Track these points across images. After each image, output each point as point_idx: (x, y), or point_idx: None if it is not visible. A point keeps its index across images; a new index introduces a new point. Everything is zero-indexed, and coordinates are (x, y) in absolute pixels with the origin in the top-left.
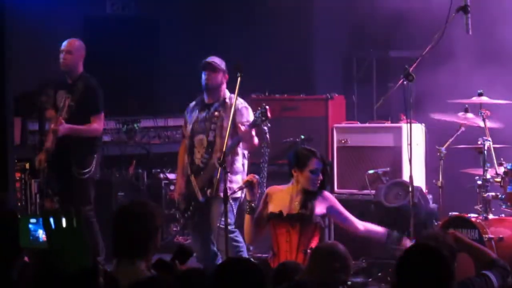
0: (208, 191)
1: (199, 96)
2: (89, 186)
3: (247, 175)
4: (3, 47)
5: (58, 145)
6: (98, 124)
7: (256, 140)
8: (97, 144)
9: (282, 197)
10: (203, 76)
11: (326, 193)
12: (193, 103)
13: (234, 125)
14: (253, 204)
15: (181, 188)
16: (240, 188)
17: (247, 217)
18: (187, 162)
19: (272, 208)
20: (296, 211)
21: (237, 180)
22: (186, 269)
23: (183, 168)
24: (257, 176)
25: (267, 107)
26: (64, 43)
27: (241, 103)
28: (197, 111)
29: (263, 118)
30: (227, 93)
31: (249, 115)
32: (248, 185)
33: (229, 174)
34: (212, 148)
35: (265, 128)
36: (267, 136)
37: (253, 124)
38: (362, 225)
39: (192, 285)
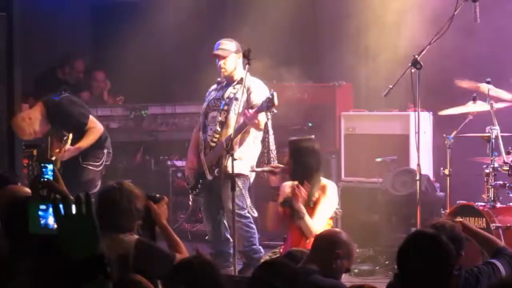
0: (216, 170)
1: (221, 77)
2: (97, 176)
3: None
4: (11, 35)
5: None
6: (95, 128)
7: (262, 125)
8: (103, 138)
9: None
10: (218, 65)
11: (328, 185)
12: (216, 83)
13: (247, 104)
14: (277, 191)
15: (192, 163)
16: (263, 171)
17: (271, 204)
18: (200, 139)
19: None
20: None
21: (247, 159)
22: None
23: (195, 144)
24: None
25: (274, 93)
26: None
27: (255, 83)
28: (216, 90)
29: (269, 104)
30: (244, 72)
31: (262, 95)
32: (270, 171)
33: (238, 152)
34: (222, 127)
35: (269, 114)
36: (268, 123)
37: (259, 110)
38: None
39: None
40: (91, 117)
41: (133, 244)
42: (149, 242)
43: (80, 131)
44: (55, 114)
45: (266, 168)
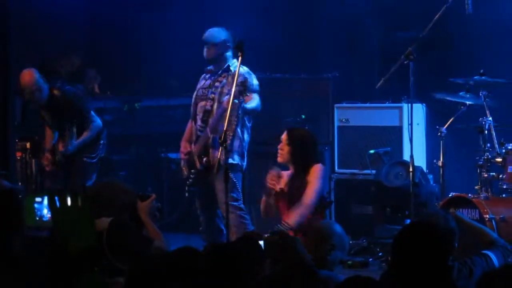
0: (204, 159)
1: (209, 66)
2: (92, 168)
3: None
4: (5, 26)
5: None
6: (95, 123)
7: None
8: (99, 132)
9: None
10: (204, 49)
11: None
12: (204, 72)
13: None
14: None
15: (184, 149)
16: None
17: (263, 198)
18: (193, 129)
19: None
20: (286, 189)
21: (236, 148)
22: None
23: (188, 133)
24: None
25: (247, 78)
26: (23, 84)
27: (243, 70)
28: (204, 79)
29: (241, 89)
30: (232, 61)
31: (253, 80)
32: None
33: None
34: (208, 116)
35: (242, 98)
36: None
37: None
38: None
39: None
40: (92, 112)
41: (108, 223)
42: (124, 222)
43: (83, 125)
44: (63, 104)
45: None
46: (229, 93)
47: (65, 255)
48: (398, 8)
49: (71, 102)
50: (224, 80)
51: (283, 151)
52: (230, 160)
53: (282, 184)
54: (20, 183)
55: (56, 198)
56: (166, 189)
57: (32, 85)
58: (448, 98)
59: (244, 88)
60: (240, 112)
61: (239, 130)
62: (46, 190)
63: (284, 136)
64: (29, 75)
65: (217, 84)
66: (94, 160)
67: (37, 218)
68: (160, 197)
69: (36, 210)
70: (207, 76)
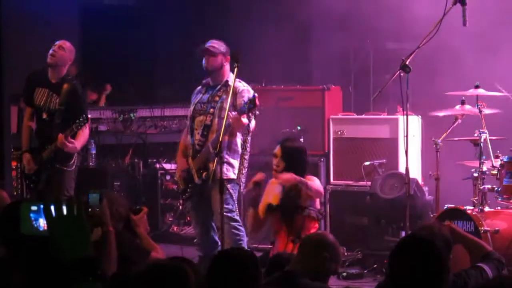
0: (204, 173)
1: (206, 79)
2: (70, 177)
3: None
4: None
5: (45, 144)
6: (87, 128)
7: (249, 124)
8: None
9: (273, 188)
10: (203, 61)
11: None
12: (200, 85)
13: (234, 107)
14: (258, 200)
15: (182, 166)
16: (249, 190)
17: (250, 211)
18: (189, 143)
19: (267, 199)
20: (277, 202)
21: (234, 163)
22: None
23: (183, 148)
24: (264, 175)
25: (256, 94)
26: (58, 41)
27: (242, 85)
28: (201, 93)
29: (251, 106)
30: (230, 76)
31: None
32: (256, 185)
33: (226, 156)
34: (208, 131)
35: (251, 115)
36: (250, 125)
37: (241, 112)
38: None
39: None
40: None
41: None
42: (121, 232)
43: (71, 118)
44: (72, 96)
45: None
46: (230, 108)
47: (60, 264)
48: (394, 20)
49: (79, 96)
50: (224, 96)
51: (278, 168)
52: (230, 175)
53: (270, 198)
54: (15, 192)
55: (52, 206)
56: (161, 199)
57: (67, 51)
58: (443, 114)
59: (254, 106)
60: (250, 129)
61: (239, 144)
62: (37, 195)
63: (277, 151)
64: (71, 47)
65: (216, 98)
66: (71, 168)
67: (33, 227)
68: (153, 208)
69: (32, 219)
70: (203, 90)
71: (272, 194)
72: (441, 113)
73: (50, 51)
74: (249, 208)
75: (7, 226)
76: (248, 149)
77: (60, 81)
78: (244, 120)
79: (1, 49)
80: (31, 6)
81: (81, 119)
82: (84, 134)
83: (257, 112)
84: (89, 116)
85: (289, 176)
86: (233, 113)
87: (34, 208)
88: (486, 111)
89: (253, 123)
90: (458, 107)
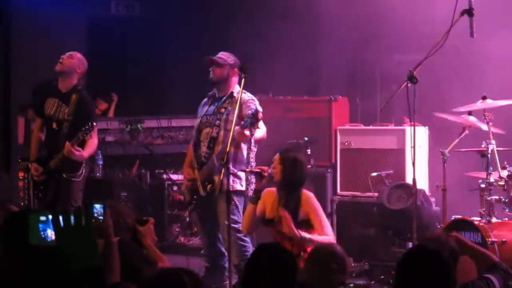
0: (209, 186)
1: (212, 91)
2: (78, 188)
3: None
4: (8, 47)
5: (53, 154)
6: (95, 138)
7: (254, 137)
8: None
9: (271, 200)
10: (210, 71)
11: (309, 196)
12: (206, 97)
13: (240, 118)
14: (259, 195)
15: (188, 175)
16: (250, 172)
17: (249, 206)
18: (195, 155)
19: (264, 211)
20: (276, 215)
21: (241, 174)
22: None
23: (190, 159)
24: (269, 170)
25: (258, 109)
26: (69, 52)
27: (248, 96)
28: (207, 105)
29: (253, 120)
30: (236, 87)
31: (258, 107)
32: (258, 173)
33: (232, 168)
34: (214, 143)
35: (253, 130)
36: (252, 140)
37: (244, 126)
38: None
39: None
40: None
41: None
42: (128, 242)
43: (79, 128)
44: (81, 107)
45: (255, 170)
46: (236, 120)
47: (67, 274)
48: (401, 31)
49: (86, 106)
50: (229, 108)
51: (276, 170)
52: (237, 187)
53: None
54: (22, 203)
55: (60, 217)
56: (168, 210)
57: (75, 60)
58: (449, 119)
59: (256, 120)
60: (252, 142)
61: (245, 155)
62: (45, 205)
63: (276, 157)
64: (82, 58)
65: (222, 110)
66: (79, 179)
67: (41, 238)
68: (160, 218)
69: (40, 230)
70: (209, 102)
71: (269, 204)
72: (447, 117)
73: (60, 60)
74: (249, 203)
75: (15, 235)
76: (252, 160)
77: (69, 91)
78: (247, 133)
79: (9, 61)
80: (39, 18)
81: (87, 127)
82: (92, 143)
83: (259, 127)
84: (95, 124)
85: (289, 226)
86: (237, 127)
87: (42, 218)
88: (493, 129)
89: (262, 132)
90: (464, 116)
